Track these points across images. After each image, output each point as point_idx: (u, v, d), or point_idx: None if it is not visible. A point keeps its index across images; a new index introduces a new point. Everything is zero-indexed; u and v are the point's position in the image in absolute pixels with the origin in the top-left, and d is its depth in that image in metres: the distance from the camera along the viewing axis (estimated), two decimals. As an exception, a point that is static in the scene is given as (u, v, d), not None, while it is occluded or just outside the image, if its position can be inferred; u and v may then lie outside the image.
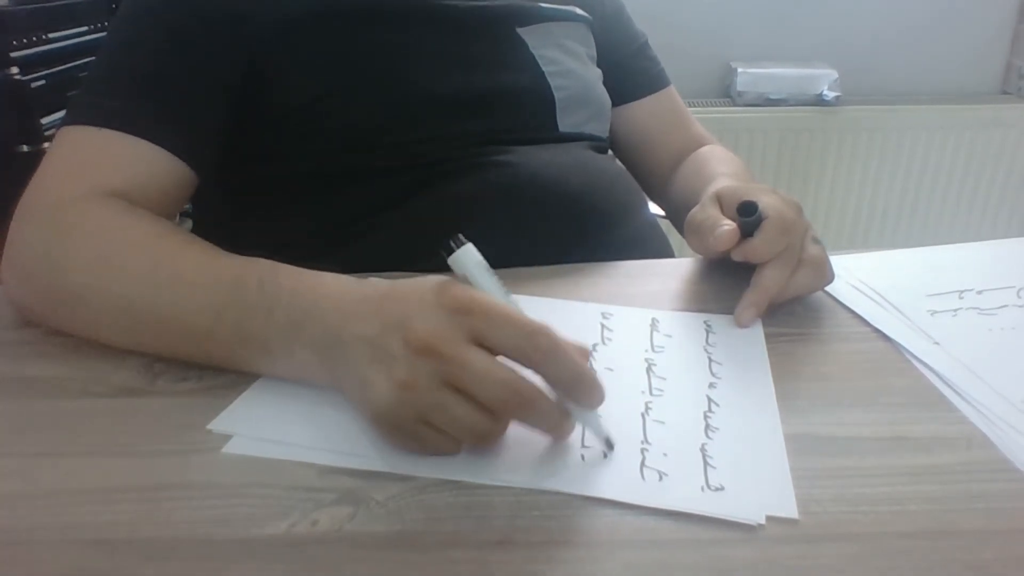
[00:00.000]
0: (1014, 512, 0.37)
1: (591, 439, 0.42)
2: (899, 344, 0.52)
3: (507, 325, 0.39)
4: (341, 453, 0.41)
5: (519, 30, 0.75)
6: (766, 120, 1.85)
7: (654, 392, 0.47)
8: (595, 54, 0.84)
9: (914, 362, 0.50)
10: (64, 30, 1.36)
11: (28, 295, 0.55)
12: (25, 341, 0.53)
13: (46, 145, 0.91)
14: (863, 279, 0.60)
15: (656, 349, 0.52)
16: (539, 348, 0.39)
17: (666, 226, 0.85)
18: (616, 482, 0.39)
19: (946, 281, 0.60)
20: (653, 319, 0.56)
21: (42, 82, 1.26)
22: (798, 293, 0.56)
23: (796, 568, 0.34)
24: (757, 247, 0.55)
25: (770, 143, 1.88)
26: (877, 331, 0.54)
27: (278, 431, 0.43)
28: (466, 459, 0.40)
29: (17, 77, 1.23)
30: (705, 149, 0.86)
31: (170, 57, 0.63)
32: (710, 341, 0.53)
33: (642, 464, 0.40)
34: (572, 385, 0.40)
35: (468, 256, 0.43)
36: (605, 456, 0.41)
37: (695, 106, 1.85)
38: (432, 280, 0.41)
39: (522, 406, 0.39)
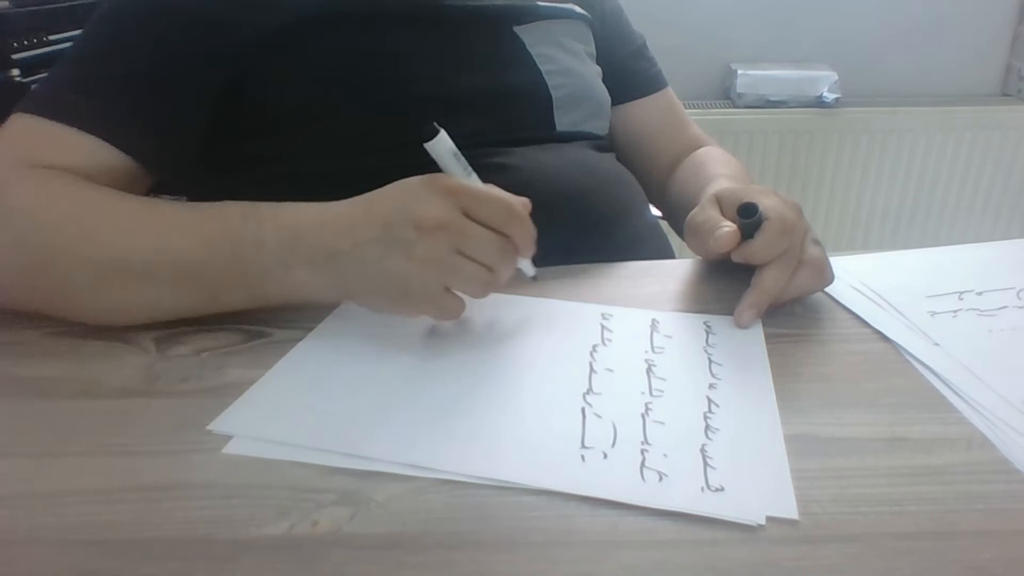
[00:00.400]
0: (1014, 512, 0.37)
1: (591, 439, 0.42)
2: (899, 345, 0.52)
3: (490, 201, 0.49)
4: (341, 453, 0.41)
5: (516, 28, 0.75)
6: (766, 122, 1.85)
7: (654, 393, 0.47)
8: (594, 51, 0.84)
9: (914, 363, 0.50)
10: (64, 32, 1.36)
11: None
12: (25, 341, 0.53)
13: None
14: (863, 280, 0.60)
15: (656, 350, 0.52)
16: (513, 217, 0.49)
17: (665, 226, 0.85)
18: (616, 482, 0.39)
19: (946, 282, 0.60)
20: (653, 320, 0.56)
21: (43, 84, 1.26)
22: (798, 294, 0.57)
23: (796, 568, 0.34)
24: (757, 249, 0.55)
25: (770, 145, 1.88)
26: (877, 332, 0.54)
27: (278, 431, 0.43)
28: (466, 459, 0.40)
29: (18, 79, 1.23)
30: (703, 150, 0.86)
31: (145, 60, 0.62)
32: (710, 342, 0.53)
33: (642, 465, 0.40)
34: (529, 242, 0.51)
35: (442, 144, 0.51)
36: (534, 279, 0.57)
37: (694, 108, 1.85)
38: (414, 178, 0.50)
39: (508, 261, 0.50)
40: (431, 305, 0.50)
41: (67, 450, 0.42)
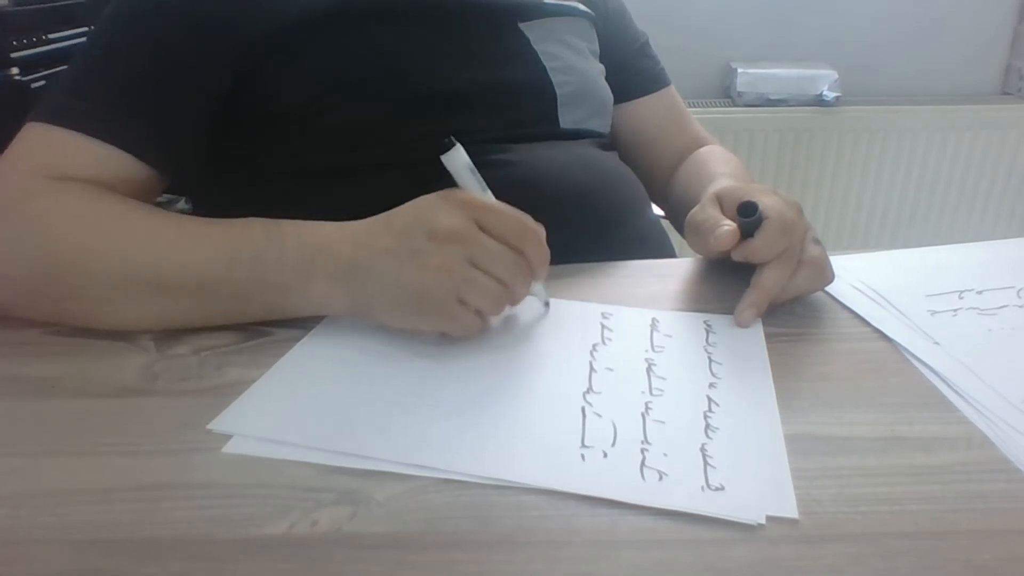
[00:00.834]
0: (1014, 512, 0.37)
1: (591, 438, 0.42)
2: (899, 344, 0.52)
3: (505, 217, 0.49)
4: (341, 453, 0.41)
5: (521, 25, 0.75)
6: (766, 120, 1.85)
7: (654, 392, 0.47)
8: (598, 49, 0.84)
9: (914, 362, 0.50)
10: (64, 31, 1.36)
11: (5, 291, 0.54)
12: (25, 341, 0.53)
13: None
14: (863, 279, 0.60)
15: (656, 349, 0.52)
16: (528, 235, 0.49)
17: (667, 225, 0.85)
18: (616, 482, 0.39)
19: (946, 281, 0.60)
20: (653, 319, 0.56)
21: (42, 83, 1.26)
22: (798, 293, 0.57)
23: (796, 568, 0.34)
24: (757, 248, 0.55)
25: (770, 143, 1.88)
26: (877, 331, 0.54)
27: (278, 431, 0.43)
28: (466, 458, 0.40)
29: (17, 78, 1.23)
30: (704, 149, 0.86)
31: (151, 63, 0.62)
32: (710, 341, 0.53)
33: (642, 464, 0.40)
34: (543, 262, 0.51)
35: (457, 157, 0.51)
36: (546, 305, 0.56)
37: (695, 106, 1.85)
38: (431, 193, 0.50)
39: (522, 278, 0.50)
40: (446, 318, 0.49)
41: (67, 450, 0.42)
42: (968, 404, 0.45)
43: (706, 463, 0.40)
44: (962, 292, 0.59)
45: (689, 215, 0.61)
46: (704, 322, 0.55)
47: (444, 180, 0.72)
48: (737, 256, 0.56)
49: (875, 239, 2.00)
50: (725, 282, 0.60)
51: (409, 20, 0.70)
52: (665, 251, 0.76)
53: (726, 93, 1.92)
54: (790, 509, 0.37)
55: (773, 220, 0.54)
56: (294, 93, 0.66)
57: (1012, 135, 1.89)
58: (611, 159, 0.79)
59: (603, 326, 0.54)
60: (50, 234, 0.53)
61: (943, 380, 0.48)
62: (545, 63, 0.74)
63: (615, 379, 0.48)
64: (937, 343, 0.52)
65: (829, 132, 1.87)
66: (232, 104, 0.66)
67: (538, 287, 0.55)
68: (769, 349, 0.51)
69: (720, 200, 0.60)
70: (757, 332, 0.54)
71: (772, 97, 1.84)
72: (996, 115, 1.88)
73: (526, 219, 0.50)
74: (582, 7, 0.82)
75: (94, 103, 0.60)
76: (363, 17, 0.68)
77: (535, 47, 0.75)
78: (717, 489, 0.38)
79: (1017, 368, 0.49)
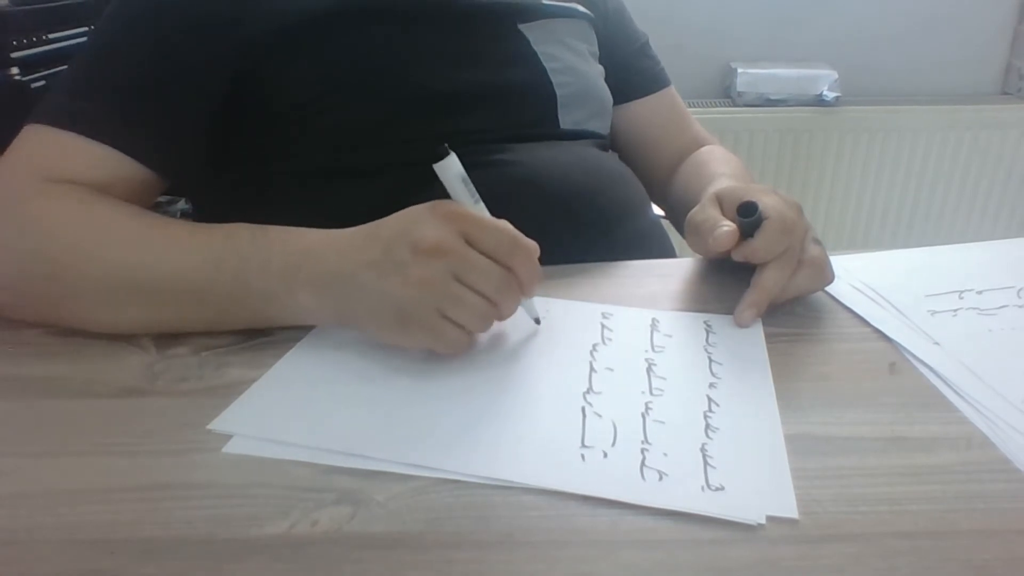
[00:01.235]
0: (1014, 512, 0.37)
1: (591, 438, 0.42)
2: (899, 344, 0.52)
3: (494, 231, 0.47)
4: (341, 453, 0.41)
5: (521, 26, 0.75)
6: (766, 120, 1.85)
7: (654, 392, 0.47)
8: (597, 51, 0.84)
9: (914, 362, 0.50)
10: (64, 30, 1.36)
11: (2, 293, 0.54)
12: (25, 341, 0.53)
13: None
14: (863, 279, 0.60)
15: (656, 349, 0.52)
16: (517, 250, 0.47)
17: (667, 225, 0.85)
18: (616, 481, 0.39)
19: (946, 281, 0.60)
20: (653, 319, 0.56)
21: (42, 83, 1.26)
22: (798, 293, 0.57)
23: (796, 568, 0.34)
24: (757, 248, 0.55)
25: (770, 143, 1.88)
26: (877, 331, 0.54)
27: (278, 431, 0.43)
28: (466, 458, 0.40)
29: (17, 78, 1.23)
30: (705, 149, 0.86)
31: (150, 65, 0.62)
32: (710, 341, 0.53)
33: (642, 464, 0.40)
34: (532, 279, 0.49)
35: (450, 167, 0.49)
36: (537, 322, 0.53)
37: (695, 106, 1.85)
38: (419, 205, 0.48)
39: (510, 295, 0.48)
40: (429, 333, 0.47)
41: (67, 450, 0.42)
42: (968, 404, 0.45)
43: (706, 463, 0.40)
44: (962, 292, 0.59)
45: (689, 215, 0.61)
46: (704, 322, 0.55)
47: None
48: (737, 256, 0.56)
49: (875, 239, 2.00)
50: (725, 282, 0.60)
51: (409, 21, 0.70)
52: (665, 251, 0.76)
53: (726, 93, 1.92)
54: (790, 509, 0.37)
55: (773, 220, 0.54)
56: (294, 93, 0.66)
57: (1012, 135, 1.89)
58: (611, 159, 0.79)
59: (603, 326, 0.54)
60: (41, 238, 0.53)
61: (943, 380, 0.48)
62: (545, 64, 0.74)
63: (615, 379, 0.48)
64: (937, 343, 0.52)
65: (829, 132, 1.87)
66: (232, 104, 0.66)
67: (529, 303, 0.53)
68: (769, 349, 0.51)
69: (720, 200, 0.60)
70: (757, 332, 0.54)
71: (772, 97, 1.84)
72: (996, 115, 1.88)
73: (516, 235, 0.48)
74: (581, 8, 0.82)
75: (93, 104, 0.60)
76: (363, 17, 0.68)
77: (535, 48, 0.75)
78: (717, 489, 0.38)
79: (1017, 368, 0.49)
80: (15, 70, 1.23)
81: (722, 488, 0.38)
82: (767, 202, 0.56)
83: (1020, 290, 0.59)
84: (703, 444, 0.42)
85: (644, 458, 0.40)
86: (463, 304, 0.46)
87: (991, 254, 0.67)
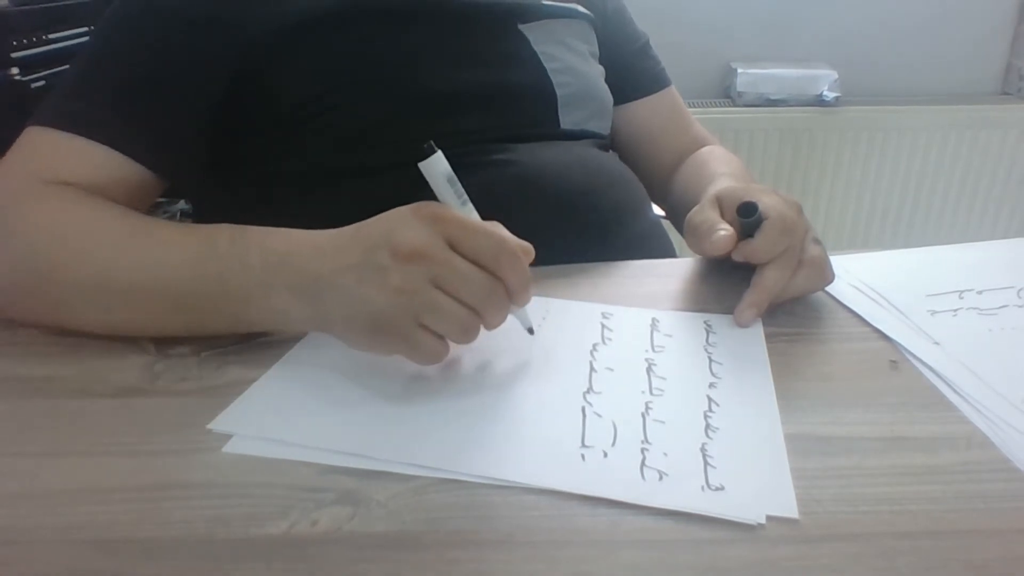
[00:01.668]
0: (1014, 512, 0.37)
1: (591, 438, 0.42)
2: (899, 344, 0.52)
3: (480, 235, 0.44)
4: (341, 453, 0.41)
5: (521, 27, 0.75)
6: (766, 120, 1.85)
7: (654, 392, 0.47)
8: (597, 51, 0.84)
9: (914, 362, 0.50)
10: (64, 31, 1.36)
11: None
12: (25, 341, 0.53)
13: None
14: (863, 279, 0.60)
15: (656, 349, 0.52)
16: (506, 255, 0.44)
17: (667, 225, 0.85)
18: (616, 482, 0.39)
19: (946, 281, 0.60)
20: (653, 319, 0.56)
21: (42, 83, 1.26)
22: (798, 293, 0.57)
23: (796, 568, 0.34)
24: (758, 248, 0.55)
25: (770, 143, 1.88)
26: (877, 331, 0.54)
27: (278, 431, 0.43)
28: (466, 458, 0.40)
29: (17, 78, 1.23)
30: (705, 150, 0.86)
31: (150, 65, 0.62)
32: (710, 341, 0.53)
33: (642, 464, 0.40)
34: (522, 287, 0.46)
35: (436, 165, 0.46)
36: (531, 332, 0.51)
37: (695, 106, 1.85)
38: (404, 206, 0.46)
39: (496, 304, 0.45)
40: (404, 343, 0.45)
41: (67, 450, 0.42)
42: (968, 404, 0.45)
43: (706, 463, 0.40)
44: (962, 292, 0.59)
45: (688, 216, 0.61)
46: (704, 322, 0.55)
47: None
48: (737, 256, 0.56)
49: (875, 239, 2.00)
50: (725, 282, 0.60)
51: (409, 21, 0.70)
52: (665, 251, 0.76)
53: (726, 93, 1.92)
54: (790, 509, 0.37)
55: (773, 220, 0.55)
56: (294, 93, 0.66)
57: (1012, 135, 1.89)
58: (611, 159, 0.79)
59: (603, 326, 0.54)
60: (30, 239, 0.53)
61: (943, 380, 0.48)
62: (545, 64, 0.75)
63: (615, 379, 0.48)
64: (937, 343, 0.52)
65: (829, 132, 1.87)
66: (232, 105, 0.66)
67: (522, 312, 0.50)
68: (769, 349, 0.51)
69: (720, 201, 0.60)
70: (757, 332, 0.54)
71: (772, 97, 1.84)
72: (996, 115, 1.88)
73: (504, 238, 0.45)
74: (581, 8, 0.82)
75: (92, 105, 0.60)
76: (363, 17, 0.68)
77: (535, 48, 0.75)
78: (717, 489, 0.38)
79: (1017, 368, 0.49)
80: (15, 70, 1.23)
81: (722, 488, 0.38)
82: (767, 202, 0.56)
83: (1020, 290, 0.59)
84: (703, 444, 0.42)
85: (644, 458, 0.40)
86: (441, 312, 0.44)
87: (991, 254, 0.67)
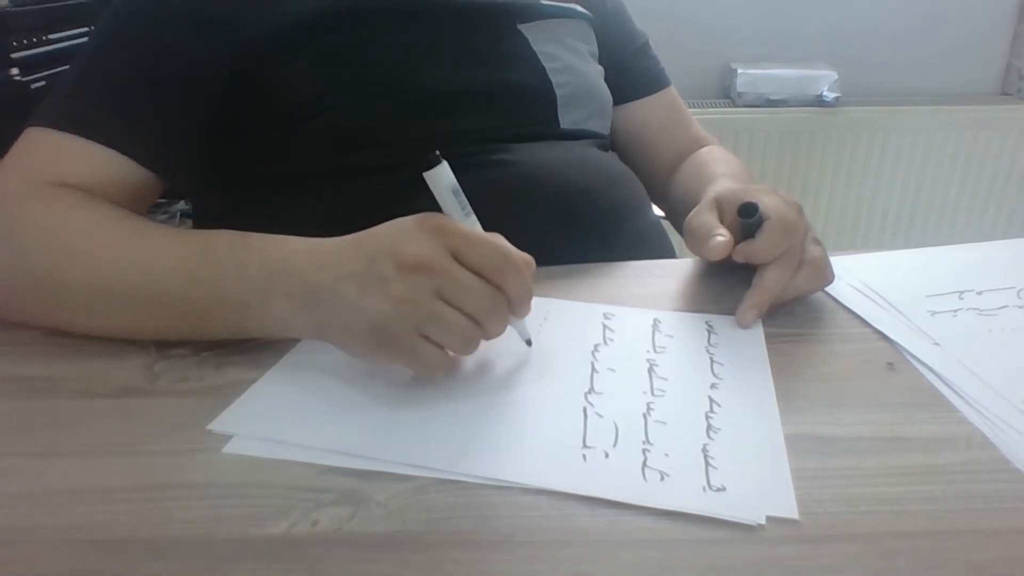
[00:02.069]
0: (1014, 512, 0.37)
1: (593, 438, 0.42)
2: (899, 344, 0.52)
3: (483, 247, 0.45)
4: (341, 453, 0.41)
5: (520, 26, 0.75)
6: (766, 121, 1.85)
7: (656, 392, 0.47)
8: (596, 51, 0.84)
9: (914, 362, 0.50)
10: (64, 31, 1.36)
11: None
12: (25, 341, 0.53)
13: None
14: (863, 280, 0.60)
15: (658, 349, 0.52)
16: (509, 268, 0.45)
17: (667, 225, 0.85)
18: (617, 482, 0.39)
19: (946, 281, 0.60)
20: (655, 320, 0.56)
21: (42, 83, 1.26)
22: (799, 294, 0.57)
23: (796, 568, 0.34)
24: (758, 248, 0.55)
25: (770, 144, 1.88)
26: (877, 331, 0.54)
27: (278, 431, 0.43)
28: (467, 458, 0.40)
29: (17, 78, 1.23)
30: (705, 150, 0.86)
31: (149, 65, 0.62)
32: (712, 342, 0.53)
33: (643, 464, 0.40)
34: (523, 299, 0.46)
35: (441, 176, 0.46)
36: (528, 344, 0.51)
37: (695, 107, 1.85)
38: (408, 217, 0.46)
39: (498, 316, 0.45)
40: (406, 353, 0.44)
41: (67, 450, 0.42)
42: (968, 404, 0.45)
43: (707, 464, 0.40)
44: (962, 292, 0.59)
45: (687, 219, 0.61)
46: (706, 323, 0.55)
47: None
48: (738, 257, 0.56)
49: (875, 239, 2.00)
50: (726, 283, 0.60)
51: (409, 21, 0.70)
52: (665, 251, 0.76)
53: (726, 93, 1.92)
54: (790, 509, 0.37)
55: (774, 221, 0.55)
56: (294, 94, 0.66)
57: (1012, 135, 1.89)
58: (611, 159, 0.79)
59: (605, 326, 0.54)
60: (26, 242, 0.53)
61: (943, 380, 0.48)
62: (545, 64, 0.75)
63: (617, 379, 0.48)
64: (937, 343, 0.52)
65: (829, 132, 1.87)
66: (231, 105, 0.66)
67: (520, 323, 0.50)
68: (769, 349, 0.51)
69: (720, 203, 0.60)
70: (757, 333, 0.54)
71: (772, 97, 1.84)
72: (996, 115, 1.88)
73: (507, 251, 0.45)
74: (580, 8, 0.82)
75: (91, 106, 0.60)
76: (363, 18, 0.68)
77: (534, 48, 0.75)
78: (718, 490, 0.38)
79: (1017, 368, 0.49)
80: (15, 70, 1.23)
81: (723, 488, 0.38)
82: (767, 203, 0.56)
83: (1020, 290, 0.59)
84: (704, 445, 0.42)
85: (645, 458, 0.40)
86: (444, 324, 0.44)
87: (991, 254, 0.67)
